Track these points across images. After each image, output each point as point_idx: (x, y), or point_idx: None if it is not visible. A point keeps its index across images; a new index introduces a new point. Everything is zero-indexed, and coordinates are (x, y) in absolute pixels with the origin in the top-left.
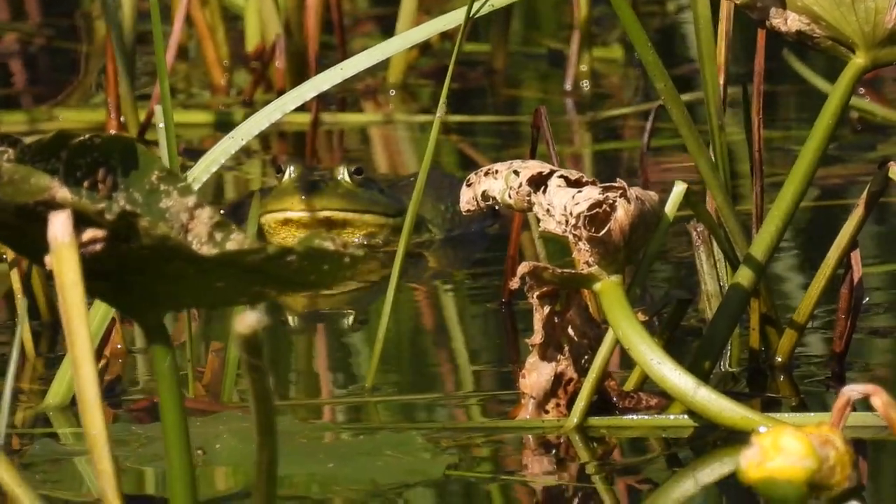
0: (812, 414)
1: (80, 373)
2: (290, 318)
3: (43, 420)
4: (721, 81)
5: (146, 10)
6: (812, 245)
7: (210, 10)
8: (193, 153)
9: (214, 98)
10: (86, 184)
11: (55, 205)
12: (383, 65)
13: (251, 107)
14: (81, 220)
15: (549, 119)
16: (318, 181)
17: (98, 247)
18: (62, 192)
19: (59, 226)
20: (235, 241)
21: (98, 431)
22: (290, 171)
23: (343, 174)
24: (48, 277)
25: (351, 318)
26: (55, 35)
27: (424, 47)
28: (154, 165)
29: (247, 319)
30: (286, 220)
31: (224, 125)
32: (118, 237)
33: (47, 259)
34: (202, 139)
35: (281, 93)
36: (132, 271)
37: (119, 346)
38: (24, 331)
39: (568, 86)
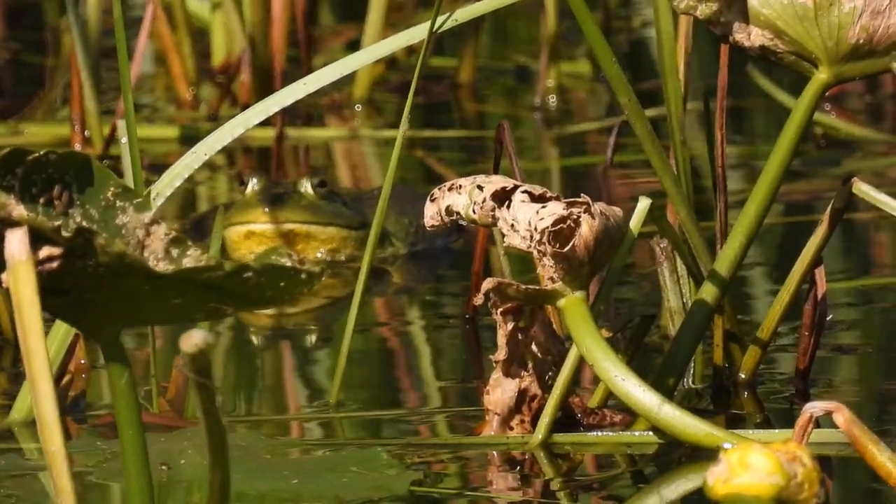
0: (776, 431)
1: (38, 390)
2: (253, 335)
3: (7, 435)
4: (682, 97)
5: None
6: (776, 261)
7: (176, 25)
8: (158, 168)
9: (180, 112)
10: (42, 200)
11: (11, 222)
12: (349, 79)
13: (217, 121)
14: (38, 238)
15: (516, 134)
16: (281, 194)
17: (55, 264)
18: (18, 210)
19: (15, 243)
20: (192, 257)
21: (57, 448)
22: (254, 184)
23: (306, 187)
24: (6, 294)
25: (315, 334)
26: (21, 49)
27: (390, 62)
28: (110, 182)
29: (192, 338)
30: (249, 233)
31: (189, 140)
32: (75, 254)
33: (3, 276)
34: (167, 154)
35: (246, 107)
36: (89, 288)
37: (83, 362)
38: None
39: (537, 101)
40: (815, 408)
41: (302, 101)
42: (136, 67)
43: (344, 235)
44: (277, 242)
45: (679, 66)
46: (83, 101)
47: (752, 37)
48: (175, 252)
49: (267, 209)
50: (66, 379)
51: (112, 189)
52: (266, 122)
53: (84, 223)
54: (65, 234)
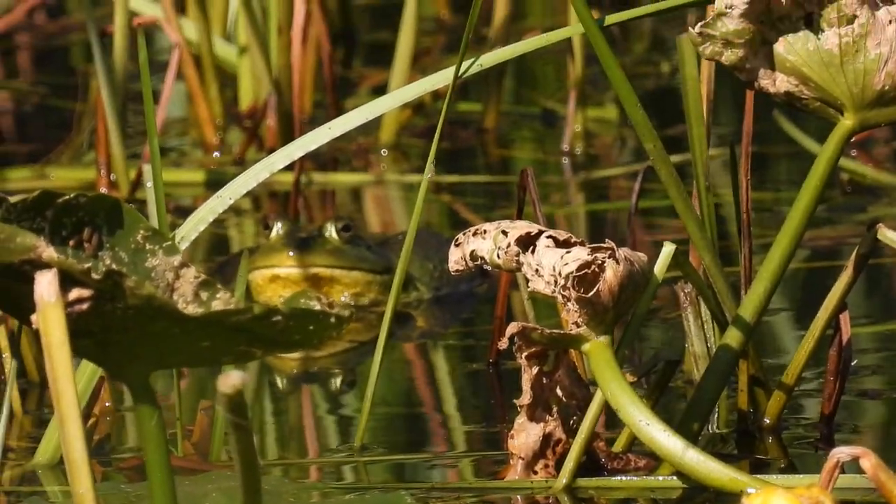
0: (801, 476)
1: (67, 431)
2: (278, 378)
3: (31, 478)
4: (707, 143)
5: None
6: (801, 306)
7: (203, 69)
8: (184, 212)
9: (207, 157)
10: (71, 243)
11: (41, 264)
12: (376, 124)
13: (243, 165)
14: (67, 280)
15: (542, 179)
16: (306, 238)
17: (84, 306)
18: (48, 252)
19: (45, 285)
20: (221, 300)
21: (85, 490)
22: (278, 228)
23: (331, 231)
24: (35, 336)
25: (339, 378)
26: (49, 93)
27: (417, 107)
28: (140, 225)
29: (230, 379)
30: (274, 277)
31: (215, 184)
32: (104, 296)
33: (33, 318)
34: (193, 198)
35: (270, 152)
36: (118, 330)
37: (108, 405)
38: (12, 389)
39: (565, 146)
40: (842, 453)
41: (328, 145)
42: (162, 111)
43: (368, 280)
44: (302, 286)
45: (703, 112)
46: (109, 146)
47: (777, 83)
48: (204, 295)
49: (292, 253)
50: (91, 422)
51: (142, 232)
52: (292, 167)
53: (114, 266)
54: (94, 276)
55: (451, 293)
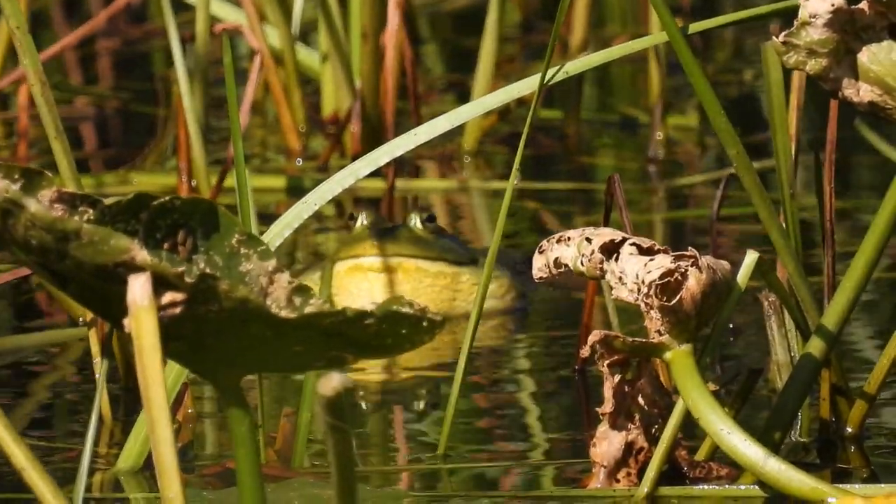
0: (883, 485)
1: (157, 435)
2: (361, 384)
3: (115, 485)
4: (792, 150)
5: (221, 75)
6: (883, 315)
7: (286, 75)
8: (267, 218)
9: (289, 163)
10: (165, 246)
11: (135, 267)
12: (458, 130)
13: (326, 172)
14: (161, 283)
15: (624, 186)
16: (390, 228)
17: (177, 310)
18: (142, 255)
19: (138, 289)
20: (314, 305)
21: (175, 494)
22: (363, 219)
23: (415, 221)
24: (127, 340)
25: (423, 385)
26: (130, 98)
27: (501, 113)
28: (234, 229)
29: (331, 381)
30: (358, 267)
31: (296, 190)
32: (197, 300)
33: (126, 322)
34: (276, 204)
35: (354, 158)
36: (210, 334)
37: (190, 411)
38: (101, 394)
39: (650, 152)
40: None
41: (411, 151)
42: (244, 117)
43: (454, 271)
44: (386, 276)
45: (791, 120)
46: (190, 151)
47: (861, 92)
48: (298, 300)
49: (376, 242)
50: (174, 428)
51: (237, 236)
52: (375, 173)
53: (208, 269)
54: (188, 279)
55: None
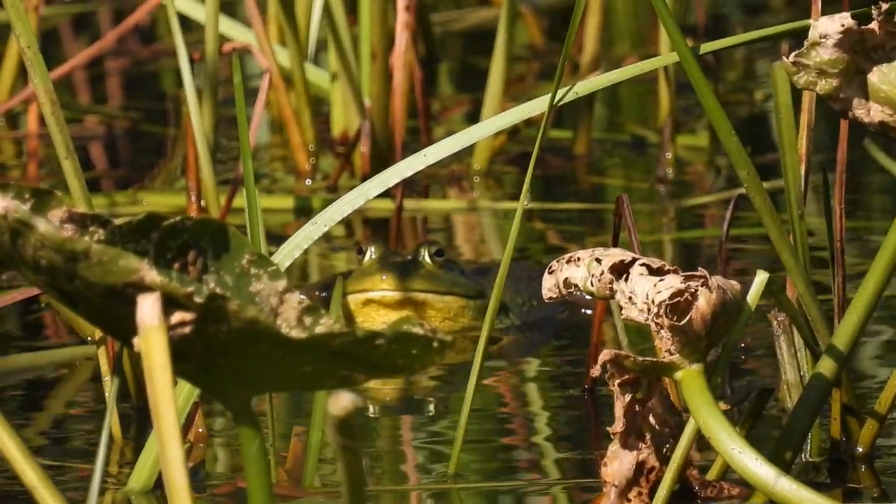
0: None
1: (168, 454)
2: (371, 405)
3: None
4: (803, 171)
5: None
6: (894, 334)
7: (296, 95)
8: (276, 238)
9: (299, 183)
10: (175, 266)
11: (144, 287)
12: (468, 151)
13: (336, 192)
14: (170, 303)
15: (634, 206)
16: (399, 262)
17: (187, 329)
18: (151, 275)
19: (148, 308)
20: (324, 325)
21: None
22: (372, 252)
23: (424, 255)
24: (137, 359)
25: (433, 404)
26: (140, 118)
27: (510, 133)
28: (245, 249)
29: (341, 401)
30: (368, 301)
31: (304, 211)
32: (207, 319)
33: (136, 341)
34: (284, 224)
35: (363, 178)
36: (220, 353)
37: (201, 430)
38: (112, 414)
39: (660, 172)
40: None
41: (421, 171)
42: (252, 137)
43: (462, 304)
44: (396, 311)
45: (802, 141)
46: (199, 171)
47: (871, 113)
48: (308, 321)
49: (385, 277)
50: (185, 447)
51: (247, 257)
52: (384, 193)
53: (218, 290)
54: (197, 299)
55: (535, 320)
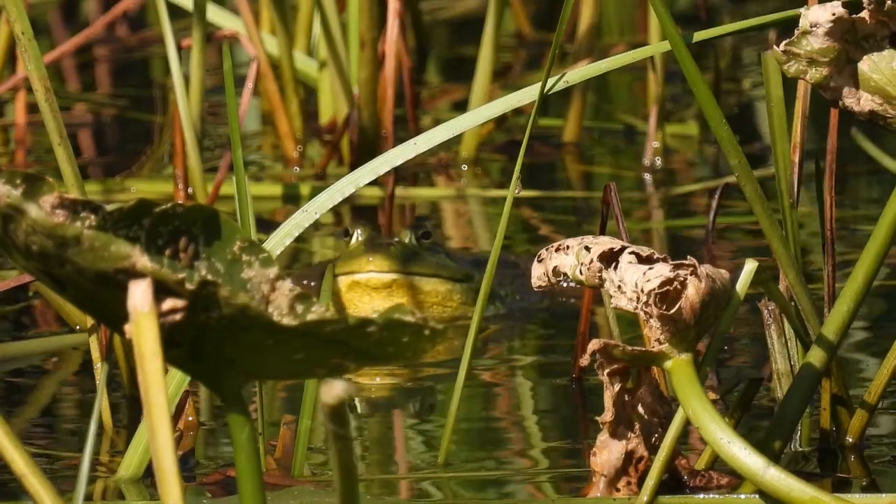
0: (883, 495)
1: (157, 442)
2: (361, 393)
3: (116, 492)
4: (797, 159)
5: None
6: (883, 324)
7: (283, 83)
8: (265, 225)
9: (286, 170)
10: (167, 252)
11: (135, 273)
12: (456, 139)
13: (323, 180)
14: (162, 289)
15: (622, 195)
16: (385, 244)
17: (178, 316)
18: (142, 261)
19: (139, 295)
20: (316, 313)
21: (175, 502)
22: (358, 235)
23: (410, 237)
24: (128, 346)
25: (422, 393)
26: (128, 105)
27: (498, 122)
28: (236, 235)
29: (333, 389)
30: (354, 284)
31: (293, 198)
32: (198, 306)
33: (127, 328)
34: (273, 212)
35: (351, 166)
36: (211, 341)
37: (191, 419)
38: (101, 401)
39: (646, 161)
40: None
41: (410, 160)
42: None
43: (448, 287)
44: (382, 293)
45: (796, 129)
46: (186, 158)
47: (861, 102)
48: (300, 308)
49: (371, 259)
50: (175, 435)
51: (238, 243)
52: (374, 181)
53: (209, 276)
54: (189, 286)
55: (519, 309)
